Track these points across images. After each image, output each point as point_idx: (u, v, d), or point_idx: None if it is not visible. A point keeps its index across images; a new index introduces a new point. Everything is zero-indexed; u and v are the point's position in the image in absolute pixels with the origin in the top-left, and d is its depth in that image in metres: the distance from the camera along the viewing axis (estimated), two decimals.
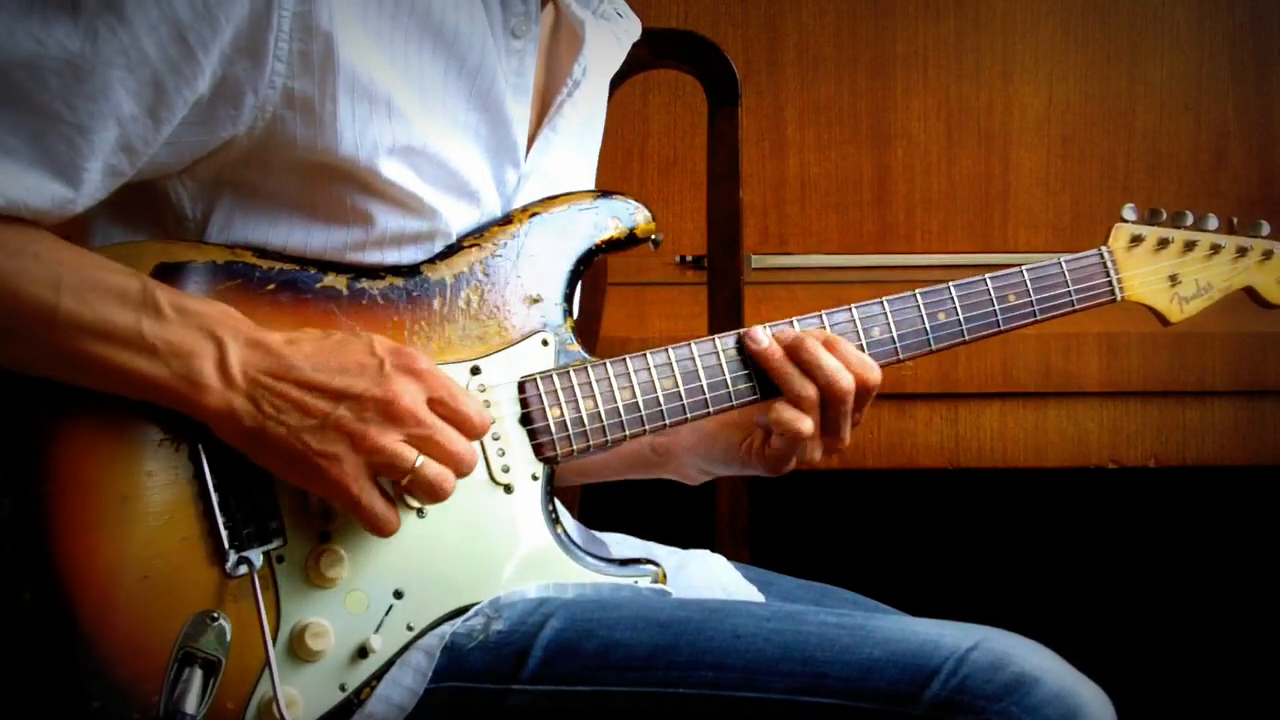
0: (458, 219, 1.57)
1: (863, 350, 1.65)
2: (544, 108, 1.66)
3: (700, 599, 1.63)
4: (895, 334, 1.66)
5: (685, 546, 1.79)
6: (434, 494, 1.46)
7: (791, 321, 1.65)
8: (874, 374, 1.63)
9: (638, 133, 2.83)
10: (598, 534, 1.77)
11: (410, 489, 1.46)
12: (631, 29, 1.76)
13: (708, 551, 1.79)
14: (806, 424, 1.61)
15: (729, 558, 1.82)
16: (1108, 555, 3.14)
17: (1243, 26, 2.84)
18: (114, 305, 1.42)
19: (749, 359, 1.62)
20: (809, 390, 1.60)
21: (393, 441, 1.44)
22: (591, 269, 1.67)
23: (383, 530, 1.47)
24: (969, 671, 1.44)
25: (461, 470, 1.47)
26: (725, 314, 2.29)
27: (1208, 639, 3.10)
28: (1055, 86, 2.84)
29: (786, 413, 1.61)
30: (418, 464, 1.45)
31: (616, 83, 2.27)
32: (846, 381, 1.61)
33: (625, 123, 2.78)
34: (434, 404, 1.46)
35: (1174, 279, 1.78)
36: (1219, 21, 2.84)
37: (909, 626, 1.50)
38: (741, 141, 2.31)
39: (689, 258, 2.76)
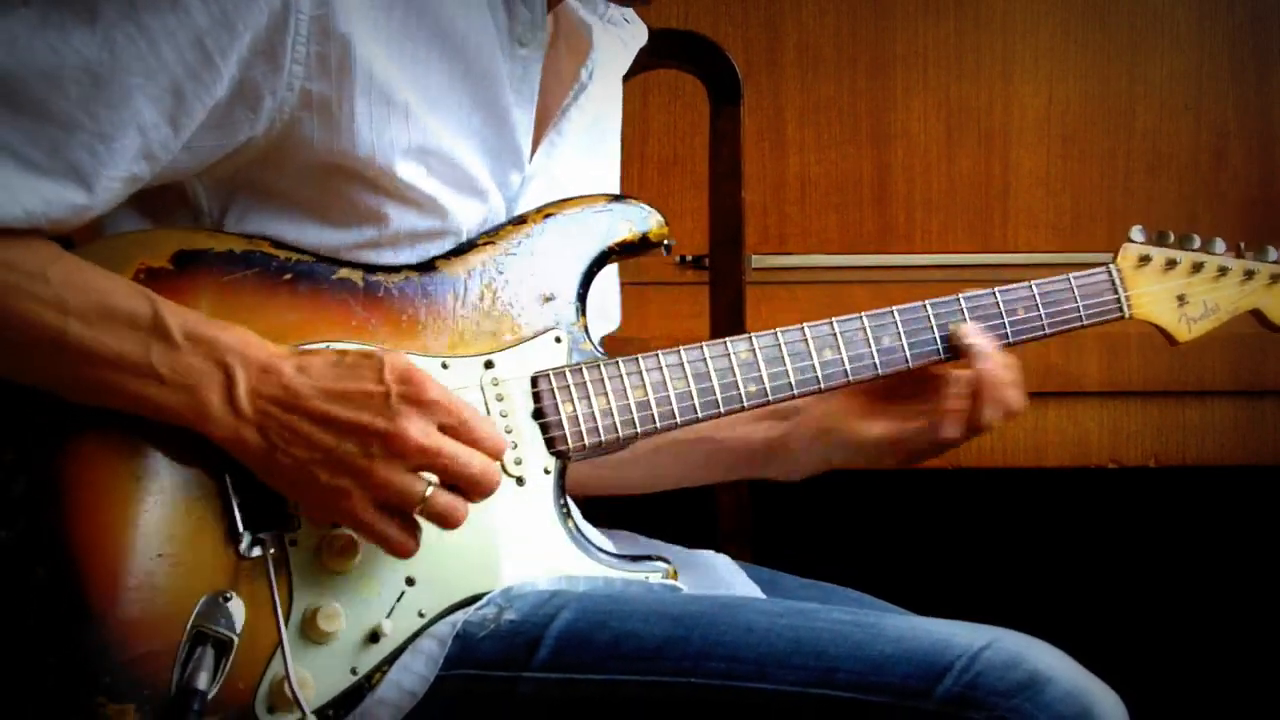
0: (468, 217, 1.59)
1: (873, 357, 1.67)
2: (548, 112, 1.67)
3: (713, 594, 1.64)
4: (905, 342, 1.68)
5: (689, 546, 1.79)
6: (447, 522, 1.47)
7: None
8: None
9: (638, 133, 2.82)
10: (604, 532, 1.77)
11: (424, 517, 1.47)
12: (638, 34, 1.77)
13: (712, 551, 1.80)
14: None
15: (731, 558, 1.82)
16: (1108, 555, 3.14)
17: (1243, 26, 2.84)
18: (123, 331, 1.43)
19: (762, 361, 1.63)
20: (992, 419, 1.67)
21: (399, 476, 1.45)
22: None
23: (399, 554, 1.48)
24: (981, 669, 1.45)
25: (482, 488, 1.47)
26: (726, 314, 2.29)
27: (1208, 639, 3.10)
28: (1055, 86, 2.84)
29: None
30: (427, 494, 1.45)
31: None
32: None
33: (625, 123, 2.75)
34: (445, 430, 1.47)
35: (1182, 299, 1.79)
36: (1219, 21, 2.84)
37: (921, 625, 1.51)
38: (742, 141, 2.31)
39: (690, 258, 2.75)
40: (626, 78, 2.22)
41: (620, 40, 1.74)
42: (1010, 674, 1.44)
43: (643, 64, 2.30)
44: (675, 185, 2.83)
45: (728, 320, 2.28)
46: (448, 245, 1.58)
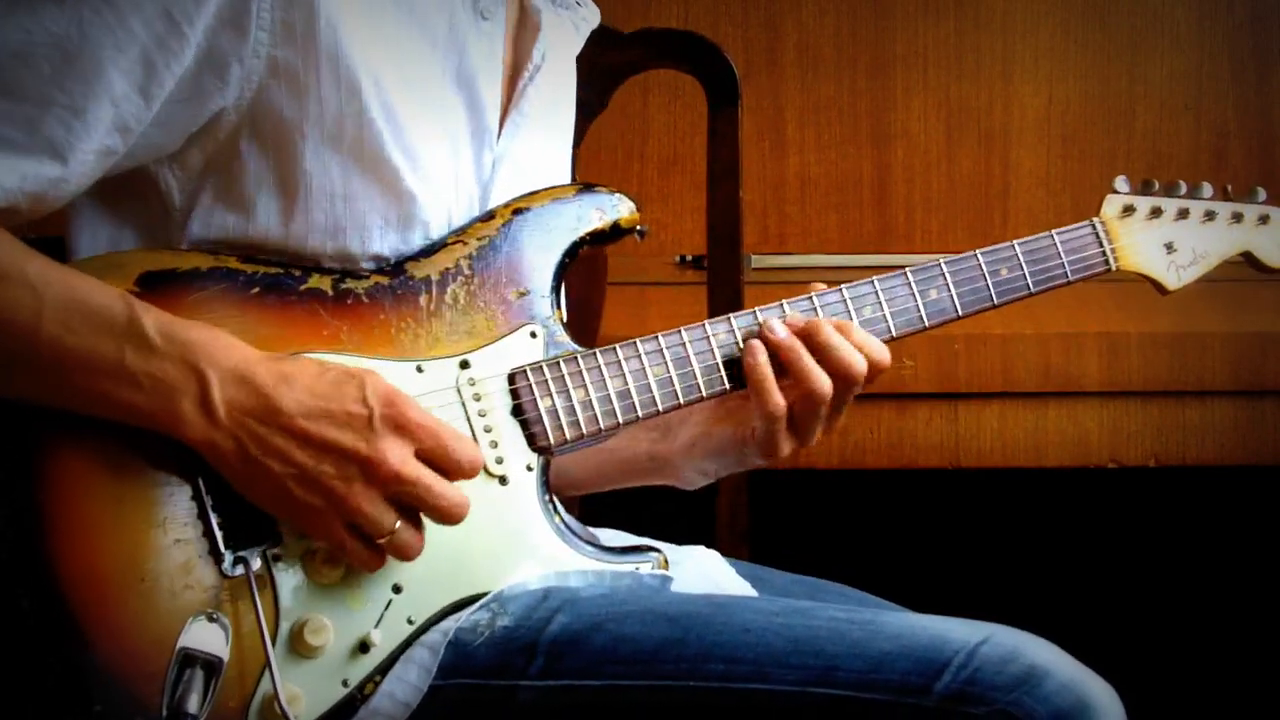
0: (432, 204, 1.58)
1: None
2: (511, 94, 1.68)
3: (707, 594, 1.64)
4: (887, 312, 1.66)
5: (687, 543, 1.79)
6: (404, 557, 1.48)
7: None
8: (884, 355, 1.63)
9: (638, 133, 2.83)
10: (592, 530, 1.77)
11: (386, 548, 1.47)
12: (590, 17, 1.78)
13: (702, 548, 1.79)
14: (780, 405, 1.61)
15: (729, 555, 1.81)
16: (1108, 555, 3.14)
17: (1243, 26, 2.84)
18: (97, 332, 1.43)
19: (740, 341, 1.62)
20: (823, 384, 1.60)
21: (372, 505, 1.45)
22: (591, 263, 1.68)
23: (368, 568, 1.48)
24: (980, 664, 1.44)
25: (450, 521, 1.48)
26: (725, 314, 2.29)
27: (1207, 638, 3.10)
28: (1055, 86, 2.84)
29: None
30: (396, 527, 1.45)
31: (616, 83, 2.28)
32: (860, 366, 1.61)
33: (625, 123, 2.78)
34: (422, 454, 1.46)
35: (1170, 246, 1.76)
36: (1219, 21, 2.84)
37: (918, 622, 1.51)
38: (741, 141, 2.31)
39: (689, 257, 2.75)
40: (623, 76, 2.23)
41: (571, 24, 1.75)
42: (1008, 668, 1.44)
43: (643, 64, 2.31)
44: (675, 185, 2.83)
45: None
46: (416, 236, 1.58)
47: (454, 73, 1.59)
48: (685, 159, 2.81)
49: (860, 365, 1.60)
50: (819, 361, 1.61)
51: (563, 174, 1.76)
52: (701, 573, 1.73)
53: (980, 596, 2.27)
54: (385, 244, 1.56)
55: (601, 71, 2.11)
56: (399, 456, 1.44)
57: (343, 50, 1.50)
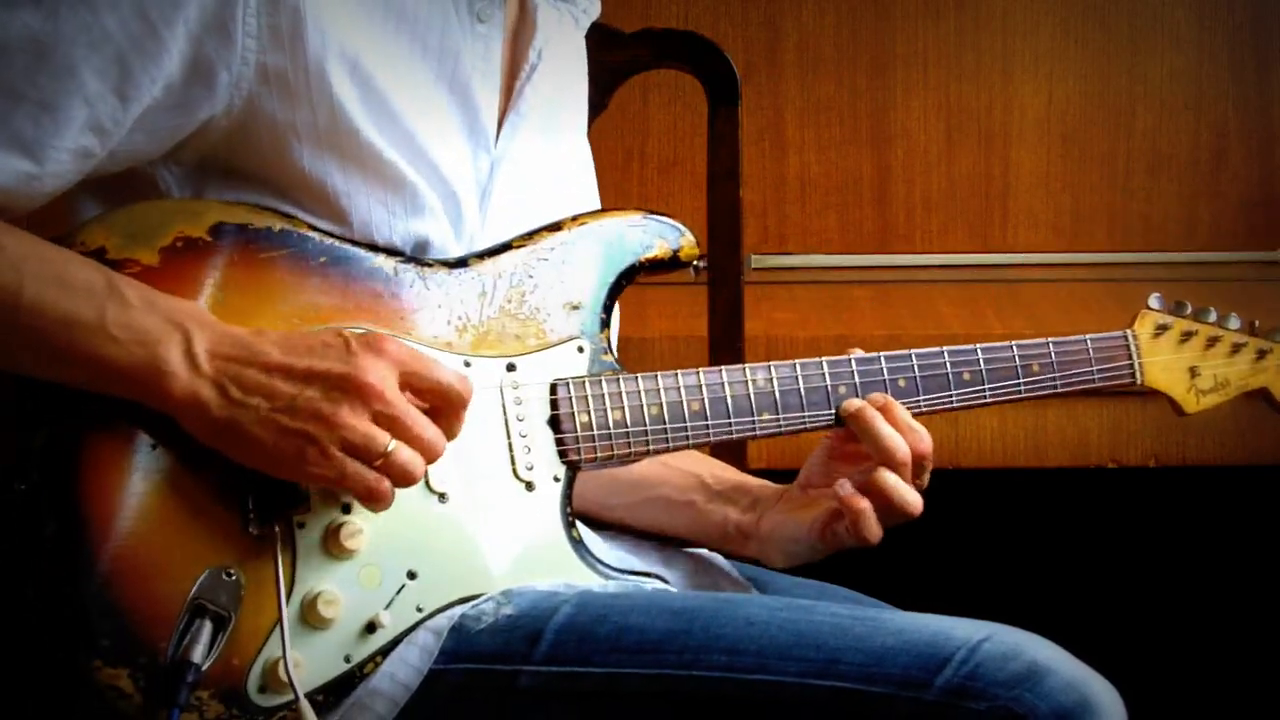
0: (434, 191, 1.58)
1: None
2: (508, 95, 1.68)
3: (711, 592, 1.65)
4: (920, 386, 1.69)
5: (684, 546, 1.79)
6: (406, 480, 1.46)
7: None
8: (925, 442, 1.67)
9: (638, 133, 2.83)
10: (606, 537, 1.77)
11: (384, 472, 1.45)
12: (590, 9, 1.78)
13: (705, 550, 1.80)
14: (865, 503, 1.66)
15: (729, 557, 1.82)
16: (1108, 555, 3.14)
17: (1243, 26, 2.84)
18: (78, 295, 1.43)
19: (778, 393, 1.64)
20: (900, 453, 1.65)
21: (364, 422, 1.43)
22: None
23: (377, 497, 1.45)
24: (981, 660, 1.45)
25: (430, 456, 1.46)
26: (725, 314, 2.29)
27: (1207, 639, 3.09)
28: (1055, 86, 2.85)
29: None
30: (390, 448, 1.44)
31: (617, 83, 2.28)
32: (904, 453, 1.65)
33: (625, 123, 2.79)
34: (408, 378, 1.46)
35: (1193, 371, 1.80)
36: (1219, 21, 2.84)
37: (920, 619, 1.52)
38: (741, 141, 2.31)
39: None
40: (623, 76, 2.23)
41: (571, 16, 1.75)
42: (1010, 665, 1.45)
43: (643, 64, 2.31)
44: (675, 185, 2.84)
45: (727, 320, 2.28)
46: (427, 222, 1.58)
47: (448, 78, 1.59)
48: (685, 159, 2.81)
49: (903, 452, 1.66)
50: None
51: (566, 173, 1.76)
52: (709, 575, 1.74)
53: (980, 596, 2.27)
54: (395, 233, 1.57)
55: (602, 71, 2.11)
56: (379, 374, 1.44)
57: (331, 55, 1.50)
